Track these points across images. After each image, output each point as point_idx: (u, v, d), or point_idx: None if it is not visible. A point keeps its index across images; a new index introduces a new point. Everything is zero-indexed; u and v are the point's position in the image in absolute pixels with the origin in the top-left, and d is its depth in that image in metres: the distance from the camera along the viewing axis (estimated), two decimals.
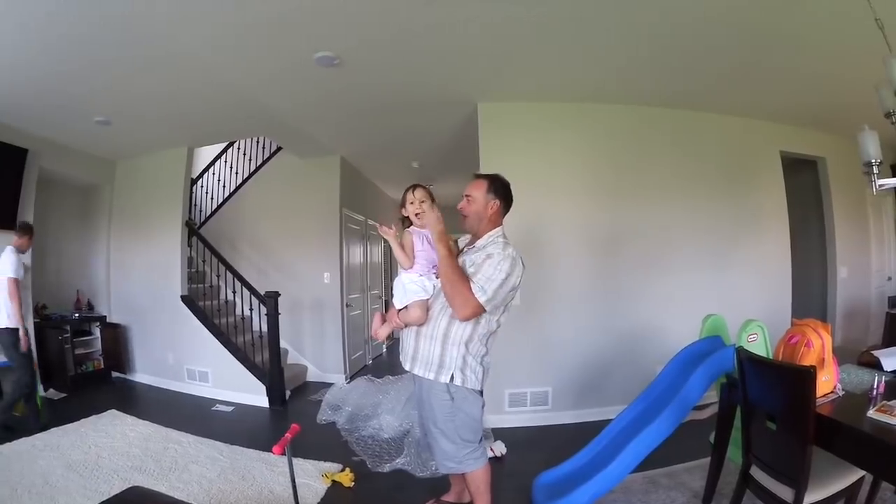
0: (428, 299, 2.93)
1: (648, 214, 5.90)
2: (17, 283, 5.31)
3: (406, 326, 3.01)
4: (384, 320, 3.20)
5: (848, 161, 6.82)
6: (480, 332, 2.87)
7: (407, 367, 3.01)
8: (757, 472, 2.80)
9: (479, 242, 2.97)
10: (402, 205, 3.05)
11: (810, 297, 7.12)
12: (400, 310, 3.01)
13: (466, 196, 3.02)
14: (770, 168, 6.44)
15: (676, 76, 5.14)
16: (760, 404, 2.74)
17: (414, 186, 3.04)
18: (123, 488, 3.85)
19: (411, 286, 2.94)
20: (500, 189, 3.02)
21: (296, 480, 3.24)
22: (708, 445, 3.73)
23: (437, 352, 2.84)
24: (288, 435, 3.17)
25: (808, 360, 2.74)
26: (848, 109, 5.58)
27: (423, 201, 2.97)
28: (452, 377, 2.81)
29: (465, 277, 2.76)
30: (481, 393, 2.99)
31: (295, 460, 3.38)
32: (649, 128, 5.97)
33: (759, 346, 3.38)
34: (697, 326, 4.23)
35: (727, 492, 3.33)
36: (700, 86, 5.38)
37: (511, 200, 3.08)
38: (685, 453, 4.18)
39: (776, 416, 2.61)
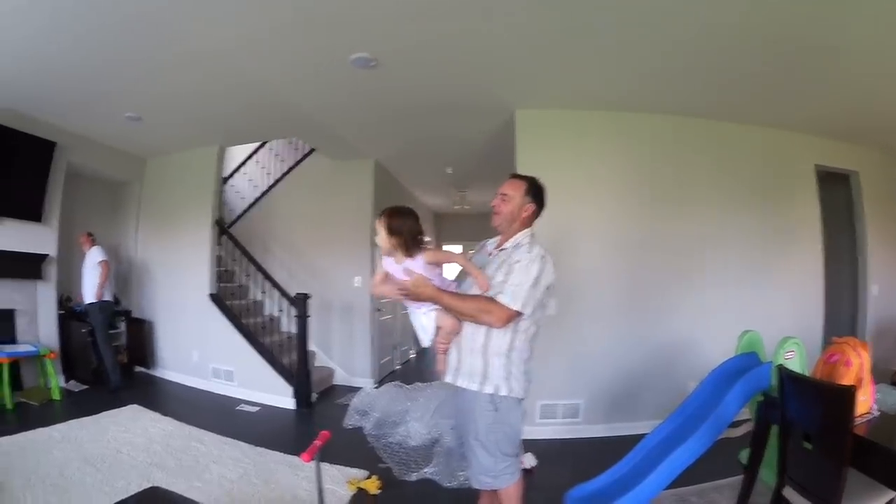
0: (439, 310, 2.73)
1: (683, 226, 5.77)
2: (108, 265, 6.73)
3: (451, 340, 2.82)
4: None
5: (881, 175, 6.83)
6: (520, 340, 2.73)
7: (449, 380, 2.84)
8: (789, 493, 2.75)
9: (508, 244, 2.83)
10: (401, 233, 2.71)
11: (840, 314, 6.82)
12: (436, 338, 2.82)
13: (502, 194, 2.87)
14: (805, 181, 6.27)
15: (713, 86, 5.03)
16: (798, 423, 2.70)
17: (384, 212, 2.75)
18: (140, 485, 3.81)
19: (425, 319, 2.78)
20: (538, 192, 2.89)
21: (324, 485, 3.18)
22: (736, 463, 3.73)
23: (479, 363, 2.70)
24: (317, 442, 3.11)
25: (847, 380, 2.75)
26: (884, 121, 5.73)
27: (381, 236, 2.72)
28: (497, 387, 2.67)
29: (476, 298, 2.64)
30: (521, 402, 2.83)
31: (323, 465, 3.31)
32: (684, 138, 5.85)
33: (795, 363, 3.27)
34: (731, 342, 4.13)
35: None
36: (736, 97, 5.25)
37: (544, 205, 2.94)
38: (715, 471, 4.06)
39: (813, 436, 2.57)
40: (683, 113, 5.72)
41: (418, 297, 2.66)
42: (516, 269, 2.63)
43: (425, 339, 2.85)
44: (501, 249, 2.84)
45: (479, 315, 2.59)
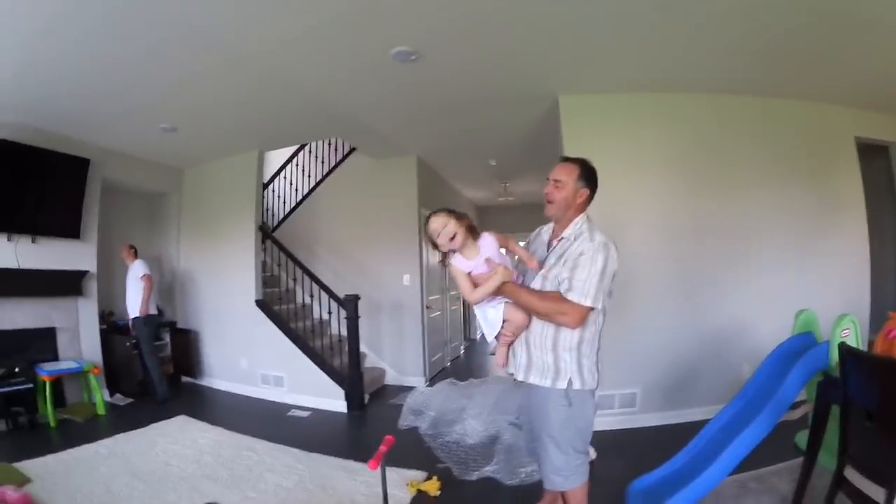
0: (509, 303, 2.67)
1: (728, 207, 5.65)
2: (150, 280, 6.69)
3: (518, 334, 2.74)
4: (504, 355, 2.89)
5: None
6: (590, 332, 2.69)
7: (520, 378, 2.78)
8: (850, 474, 2.69)
9: (567, 232, 2.74)
10: (432, 242, 2.68)
11: (885, 289, 6.64)
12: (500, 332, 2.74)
13: (555, 181, 2.77)
14: (846, 155, 6.06)
15: (755, 62, 4.88)
16: (860, 401, 2.63)
17: (432, 214, 2.69)
18: (192, 498, 3.64)
19: (492, 313, 2.69)
20: (591, 176, 2.79)
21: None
22: (792, 447, 3.75)
23: (550, 359, 2.66)
24: (383, 448, 3.09)
25: None
26: None
27: (451, 230, 2.59)
28: (570, 382, 2.62)
29: (550, 297, 2.57)
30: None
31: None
32: (725, 117, 5.73)
33: (851, 341, 3.18)
34: (782, 322, 4.13)
35: (816, 494, 3.19)
36: (775, 70, 5.08)
37: (597, 188, 2.83)
38: (771, 455, 3.94)
39: (875, 413, 2.50)
40: (723, 91, 5.60)
41: (501, 291, 2.57)
42: (581, 262, 2.55)
43: (490, 334, 2.77)
44: (560, 239, 2.75)
45: (555, 316, 2.53)
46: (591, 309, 2.53)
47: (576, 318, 2.50)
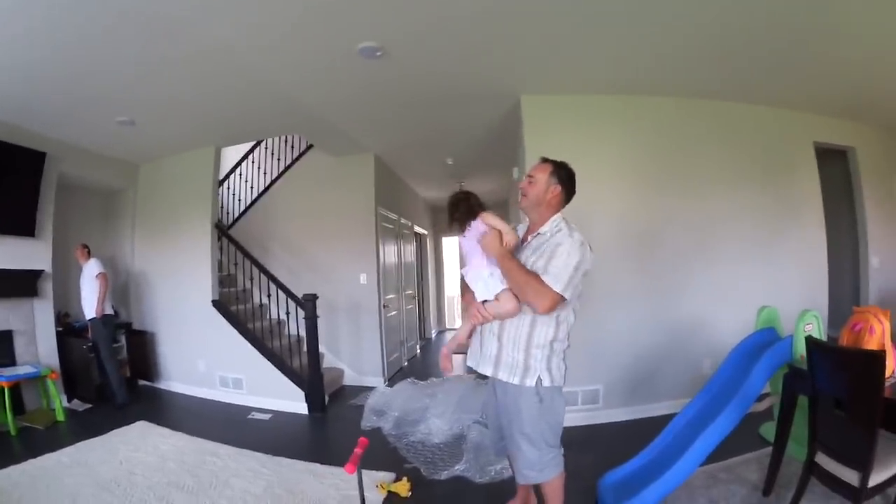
0: (509, 290, 2.76)
1: (691, 206, 5.82)
2: (106, 278, 6.60)
3: (493, 320, 2.83)
4: (450, 357, 3.10)
5: (878, 150, 7.01)
6: (562, 331, 2.81)
7: (487, 373, 2.88)
8: (820, 459, 2.91)
9: (544, 229, 2.86)
10: (455, 215, 2.99)
11: (843, 286, 7.05)
12: (484, 302, 2.82)
13: (529, 177, 2.94)
14: (804, 158, 6.36)
15: (716, 67, 5.04)
16: (828, 391, 2.83)
17: (467, 198, 2.98)
18: None
19: (492, 280, 2.77)
20: (564, 176, 2.92)
21: (351, 492, 3.38)
22: (757, 438, 4.26)
23: (521, 356, 2.75)
24: (358, 450, 3.10)
25: (872, 346, 2.99)
26: (880, 98, 5.91)
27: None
28: (540, 379, 2.73)
29: (532, 274, 2.66)
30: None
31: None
32: (689, 119, 5.89)
33: (814, 335, 3.37)
34: (742, 318, 4.47)
35: (784, 482, 3.48)
36: (739, 77, 5.28)
37: (573, 190, 2.98)
38: (738, 446, 4.10)
39: (844, 402, 2.71)
40: (687, 94, 5.74)
41: (489, 248, 2.74)
42: (559, 252, 2.65)
43: (482, 294, 2.82)
44: (536, 235, 2.87)
45: (528, 290, 2.61)
46: (562, 298, 2.60)
47: (546, 300, 2.57)
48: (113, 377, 6.46)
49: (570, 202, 2.96)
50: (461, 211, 2.92)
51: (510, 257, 2.71)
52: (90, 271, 6.54)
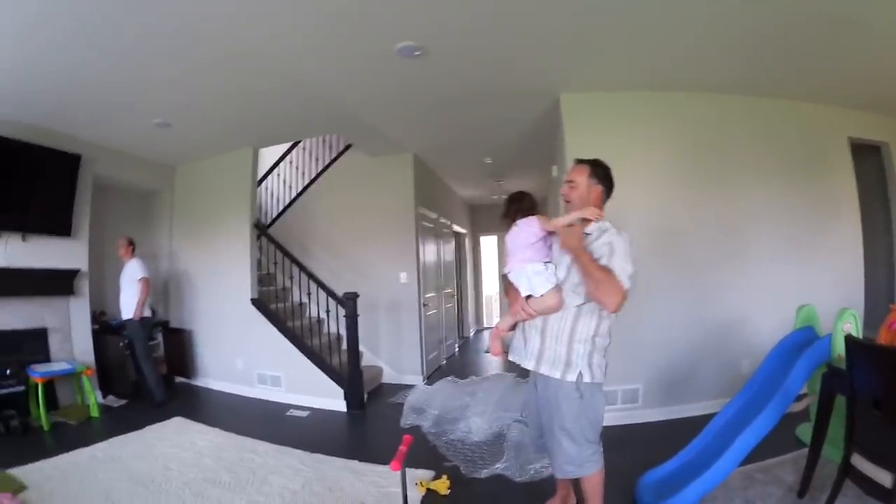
0: (557, 285, 2.80)
1: (727, 204, 5.73)
2: (148, 283, 6.53)
3: (537, 315, 2.85)
4: (499, 332, 3.11)
5: None
6: (604, 326, 2.84)
7: (530, 367, 2.92)
8: (856, 461, 2.85)
9: (589, 229, 2.86)
10: (512, 207, 3.01)
11: (879, 284, 6.76)
12: (527, 298, 2.84)
13: (569, 182, 2.99)
14: (839, 154, 6.19)
15: (752, 62, 4.94)
16: (866, 390, 2.78)
17: (521, 198, 3.03)
18: (195, 503, 3.51)
19: (537, 278, 2.79)
20: (602, 174, 2.98)
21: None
22: (793, 438, 4.25)
23: (563, 350, 2.79)
24: (403, 448, 3.06)
25: None
26: None
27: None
28: (581, 374, 2.76)
29: (608, 270, 2.65)
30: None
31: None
32: (724, 116, 5.80)
33: (852, 334, 3.27)
34: (780, 317, 4.46)
35: (819, 483, 3.40)
36: (773, 71, 5.16)
37: (612, 185, 3.03)
38: (775, 447, 4.00)
39: (882, 401, 2.64)
40: (722, 91, 5.67)
41: (570, 241, 2.72)
42: (617, 251, 2.68)
43: (524, 290, 2.82)
44: (586, 235, 2.84)
45: (605, 286, 2.59)
46: (626, 295, 2.60)
47: (619, 297, 2.57)
48: (150, 377, 6.41)
49: (610, 197, 3.01)
50: (524, 205, 2.94)
51: (587, 253, 2.68)
52: (132, 272, 6.49)
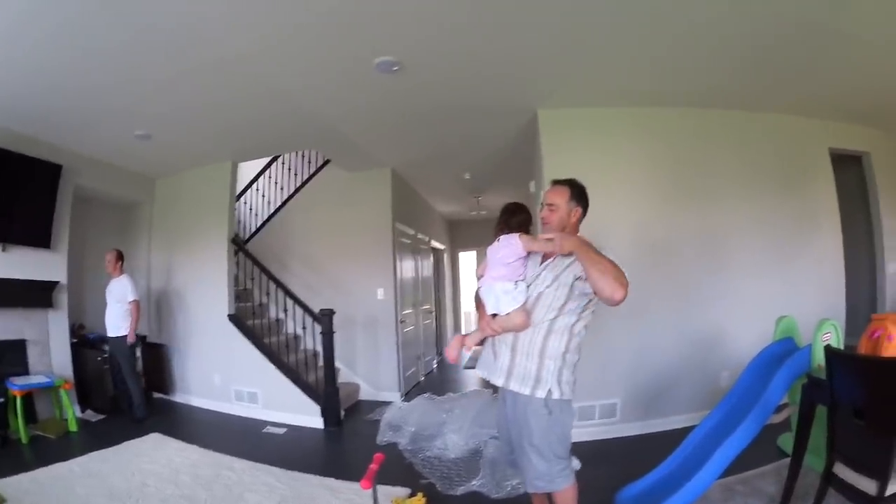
0: (525, 305, 2.77)
1: (708, 217, 5.81)
2: (139, 305, 6.55)
3: (503, 333, 2.83)
4: (464, 343, 3.06)
5: (893, 155, 6.92)
6: (574, 343, 2.81)
7: (500, 383, 2.86)
8: (838, 469, 2.87)
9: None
10: (511, 221, 2.93)
11: (860, 294, 6.87)
12: (494, 315, 2.83)
13: (549, 205, 2.92)
14: (820, 165, 6.32)
15: (733, 76, 5.03)
16: (847, 400, 2.81)
17: (513, 213, 2.97)
18: None
19: (505, 297, 2.76)
20: (581, 195, 2.95)
21: None
22: (774, 449, 4.28)
23: (533, 367, 2.74)
24: (373, 466, 3.11)
25: (890, 353, 2.98)
26: (893, 102, 5.78)
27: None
28: (550, 391, 2.72)
29: (612, 260, 2.64)
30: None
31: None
32: (704, 130, 5.90)
33: (832, 344, 3.38)
34: (760, 329, 4.49)
35: (801, 493, 3.38)
36: (754, 85, 5.27)
37: (588, 203, 2.99)
38: (756, 458, 4.05)
39: (864, 411, 2.69)
40: (702, 105, 5.74)
41: (566, 244, 2.63)
42: (607, 254, 2.65)
43: (490, 308, 2.82)
44: (559, 256, 2.81)
45: (613, 275, 2.57)
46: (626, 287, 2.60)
47: (625, 287, 2.58)
48: (136, 394, 6.41)
49: (585, 216, 3.00)
50: (513, 221, 2.90)
51: (588, 246, 2.66)
52: (122, 291, 6.47)
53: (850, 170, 6.92)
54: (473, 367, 3.12)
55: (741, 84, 5.18)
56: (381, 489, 3.92)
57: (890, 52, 4.50)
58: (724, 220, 5.81)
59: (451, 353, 3.04)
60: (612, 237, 5.11)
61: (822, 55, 4.56)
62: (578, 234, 2.84)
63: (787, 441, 4.11)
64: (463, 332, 3.17)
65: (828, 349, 2.89)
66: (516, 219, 2.90)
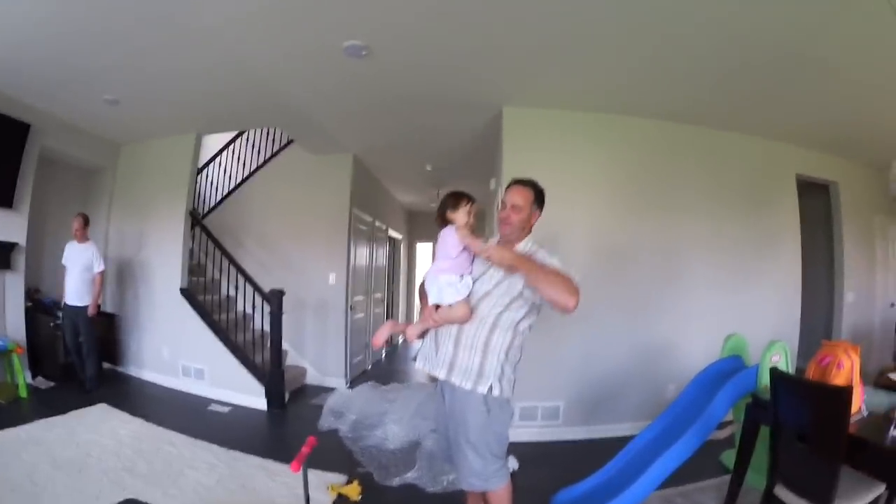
0: (468, 298, 2.75)
1: (666, 229, 5.87)
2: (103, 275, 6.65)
3: (444, 324, 2.82)
4: (395, 330, 3.16)
5: (860, 186, 7.18)
6: (518, 341, 2.81)
7: (441, 376, 2.82)
8: (779, 491, 2.88)
9: (520, 248, 2.86)
10: (450, 211, 2.82)
11: (817, 319, 7.10)
12: (437, 307, 2.81)
13: (512, 206, 2.87)
14: (786, 190, 6.47)
15: (699, 93, 5.15)
16: (791, 423, 2.84)
17: (468, 200, 2.84)
18: (112, 492, 3.65)
19: (448, 289, 2.74)
20: (541, 198, 2.96)
21: (302, 492, 3.15)
22: (717, 465, 4.21)
23: (476, 361, 2.71)
24: (305, 449, 3.06)
25: (839, 381, 2.89)
26: (864, 135, 6.07)
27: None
28: (490, 388, 2.69)
29: (556, 270, 2.62)
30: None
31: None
32: (671, 144, 5.96)
33: (781, 366, 3.48)
34: (711, 345, 4.48)
35: None
36: (724, 104, 5.40)
37: (544, 208, 3.00)
38: (699, 473, 4.12)
39: (807, 435, 2.70)
40: (671, 118, 5.82)
41: (503, 259, 2.60)
42: (551, 260, 2.71)
43: (433, 299, 2.81)
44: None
45: (563, 286, 2.53)
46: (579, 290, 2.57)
47: (575, 293, 2.52)
48: (91, 366, 6.43)
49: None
50: (455, 208, 2.79)
51: (526, 258, 2.67)
52: (87, 259, 6.46)
53: (818, 197, 7.14)
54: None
55: (713, 102, 5.31)
56: (318, 474, 4.11)
57: (863, 85, 4.65)
58: (684, 234, 5.88)
59: (378, 338, 3.00)
60: (567, 240, 5.32)
61: (793, 81, 4.66)
62: (524, 239, 2.89)
63: (730, 457, 4.15)
64: (399, 321, 3.22)
65: (773, 371, 2.93)
66: (470, 205, 2.80)
